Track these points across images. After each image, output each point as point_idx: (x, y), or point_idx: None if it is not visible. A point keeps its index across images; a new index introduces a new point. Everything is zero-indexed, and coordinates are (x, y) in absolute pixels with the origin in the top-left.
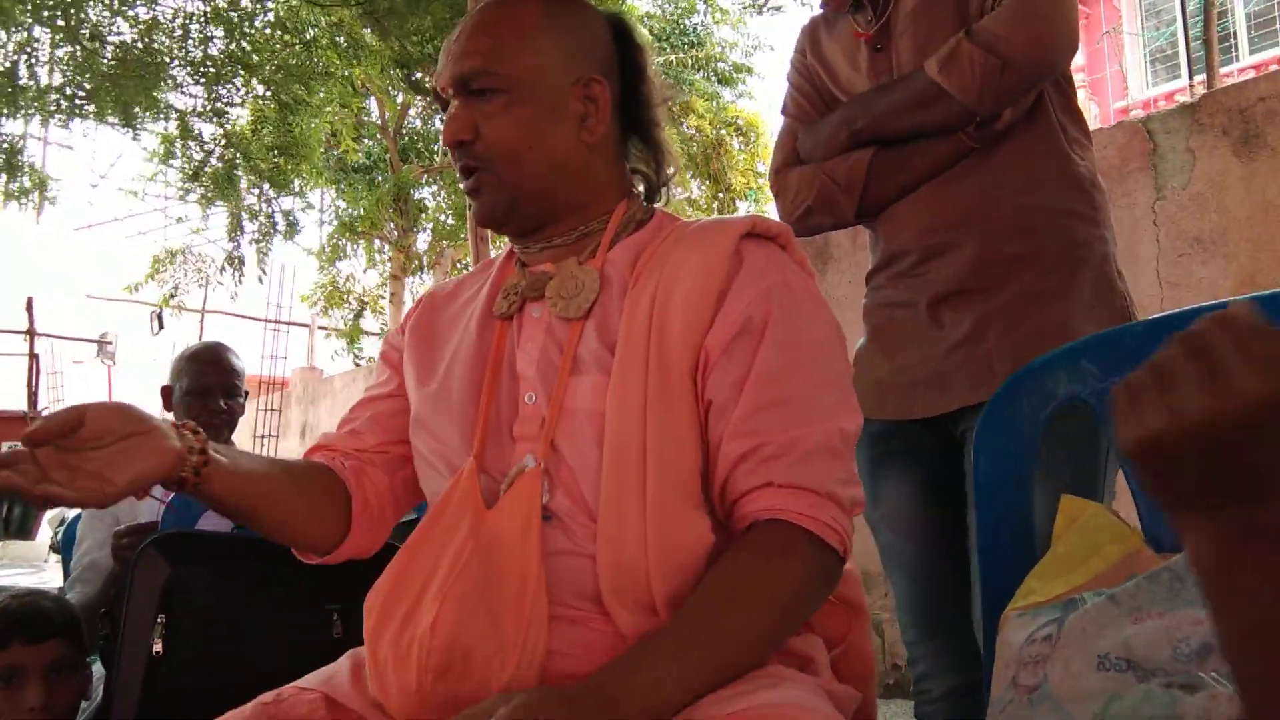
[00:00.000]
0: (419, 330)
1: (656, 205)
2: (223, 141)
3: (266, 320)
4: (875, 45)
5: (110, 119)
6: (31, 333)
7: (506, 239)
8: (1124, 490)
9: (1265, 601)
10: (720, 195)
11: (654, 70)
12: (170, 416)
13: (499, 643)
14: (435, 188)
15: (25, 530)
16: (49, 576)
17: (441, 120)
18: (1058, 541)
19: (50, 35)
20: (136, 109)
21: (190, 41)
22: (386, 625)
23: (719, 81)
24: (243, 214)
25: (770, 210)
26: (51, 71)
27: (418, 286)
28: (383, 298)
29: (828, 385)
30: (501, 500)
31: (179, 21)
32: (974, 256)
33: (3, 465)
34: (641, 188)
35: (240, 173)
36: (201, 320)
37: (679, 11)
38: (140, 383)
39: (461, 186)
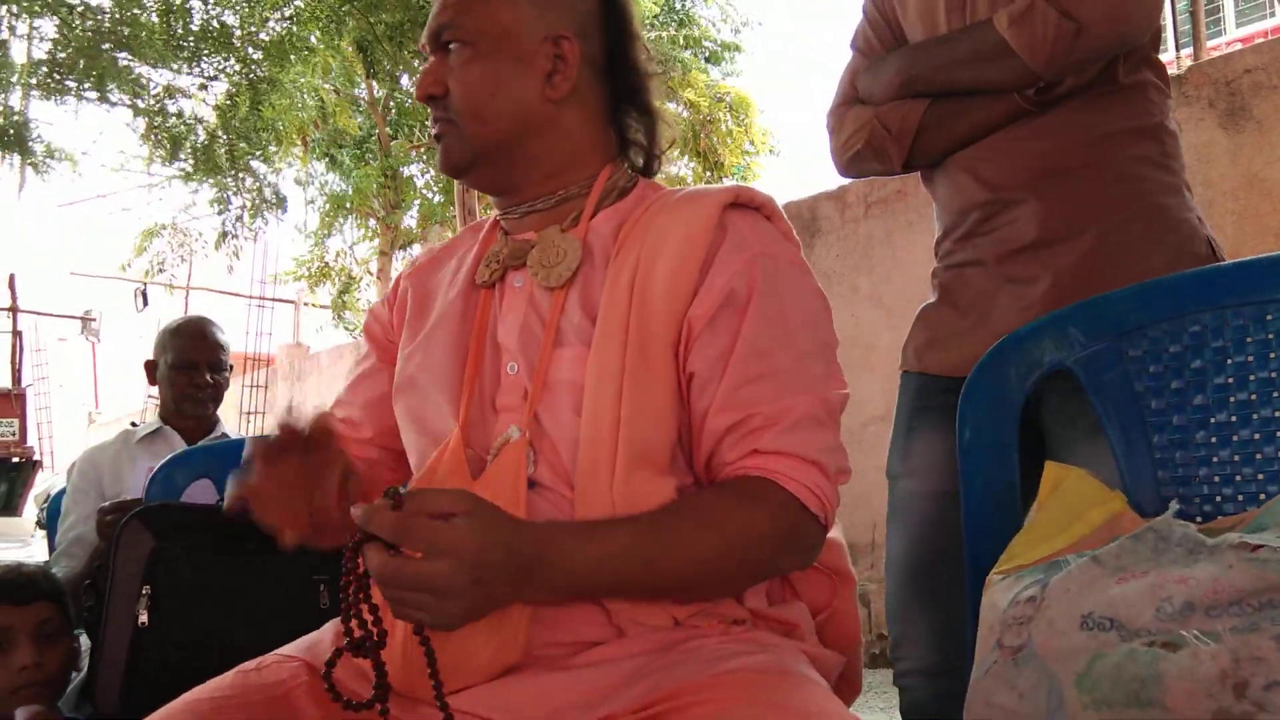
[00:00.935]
0: (417, 283)
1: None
2: (202, 119)
3: (252, 297)
4: None
5: (87, 92)
6: (15, 309)
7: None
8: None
9: None
10: (708, 174)
11: (642, 36)
12: (154, 391)
13: None
14: (423, 165)
15: (11, 507)
16: (35, 551)
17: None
18: (1041, 507)
19: (28, 3)
20: (113, 84)
21: (171, 16)
22: None
23: (707, 60)
24: (228, 191)
25: (757, 188)
26: (30, 44)
27: (405, 263)
28: (370, 274)
29: (814, 355)
30: (488, 470)
31: None
32: (1045, 209)
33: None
34: (640, 160)
35: (221, 149)
36: (186, 296)
37: None
38: (125, 360)
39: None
